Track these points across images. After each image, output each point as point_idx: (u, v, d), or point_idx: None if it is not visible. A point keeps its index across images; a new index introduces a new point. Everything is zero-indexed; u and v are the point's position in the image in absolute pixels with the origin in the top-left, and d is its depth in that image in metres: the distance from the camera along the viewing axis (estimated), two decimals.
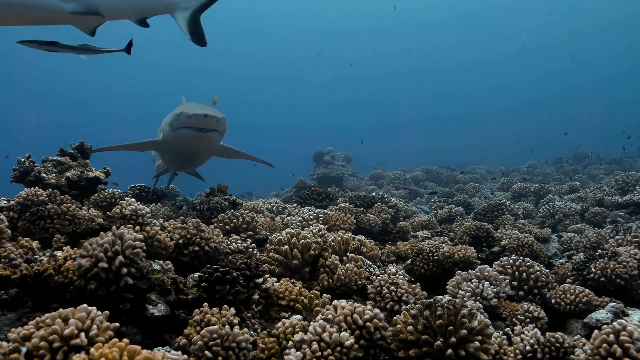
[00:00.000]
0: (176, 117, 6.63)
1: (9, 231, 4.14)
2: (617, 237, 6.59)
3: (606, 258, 5.09)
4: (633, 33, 72.84)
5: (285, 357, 2.92)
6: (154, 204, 7.23)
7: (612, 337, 3.02)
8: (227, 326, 2.98)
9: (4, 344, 2.26)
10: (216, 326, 2.92)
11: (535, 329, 3.72)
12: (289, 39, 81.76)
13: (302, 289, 3.98)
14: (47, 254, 3.69)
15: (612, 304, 4.39)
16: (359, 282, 4.39)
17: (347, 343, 2.98)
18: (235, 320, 3.15)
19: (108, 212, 5.09)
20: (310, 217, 6.43)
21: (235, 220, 5.49)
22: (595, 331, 3.18)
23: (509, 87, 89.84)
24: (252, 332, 3.38)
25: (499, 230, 7.44)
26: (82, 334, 2.34)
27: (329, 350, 2.94)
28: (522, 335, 3.69)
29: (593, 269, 5.00)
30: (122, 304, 3.04)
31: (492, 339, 3.36)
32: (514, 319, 4.22)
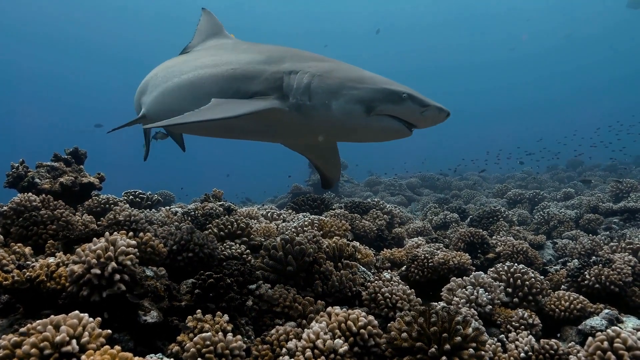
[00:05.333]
0: (392, 96, 3.79)
1: (2, 237, 4.12)
2: (612, 243, 6.61)
3: (600, 265, 5.10)
4: (630, 38, 73.91)
5: None
6: (148, 209, 7.20)
7: (606, 344, 3.03)
8: (220, 333, 2.97)
9: None
10: (209, 333, 2.90)
11: (530, 336, 3.72)
12: (289, 39, 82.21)
13: (297, 296, 3.97)
14: (40, 260, 3.66)
15: (606, 310, 4.40)
16: (354, 289, 4.38)
17: (341, 350, 2.96)
18: (229, 327, 3.13)
19: (102, 218, 5.07)
20: (305, 223, 6.42)
21: (229, 226, 5.47)
22: (590, 338, 3.19)
23: (506, 90, 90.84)
24: (245, 339, 3.36)
25: (493, 237, 7.45)
26: (74, 341, 2.32)
27: (323, 358, 2.92)
28: (517, 342, 3.69)
29: (587, 276, 5.01)
30: (114, 310, 3.02)
31: (487, 345, 3.36)
32: (508, 326, 4.21)
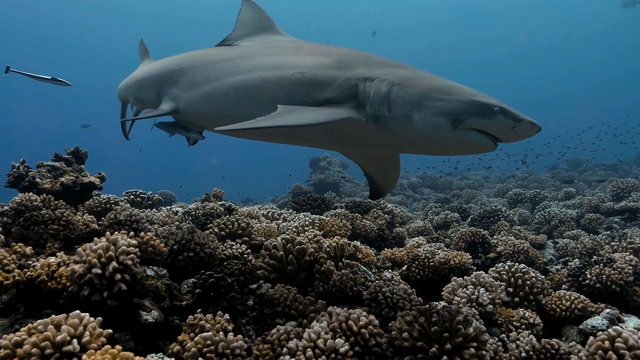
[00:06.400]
0: (483, 109, 3.47)
1: (2, 237, 4.12)
2: (613, 243, 6.61)
3: (601, 264, 5.09)
4: (629, 37, 73.87)
5: None
6: (149, 209, 7.20)
7: (607, 343, 3.03)
8: (221, 333, 2.97)
9: None
10: (210, 333, 2.90)
11: (531, 336, 3.72)
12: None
13: (297, 295, 3.96)
14: (41, 260, 3.66)
15: (607, 310, 4.40)
16: (355, 288, 4.37)
17: (342, 350, 2.96)
18: (230, 327, 3.12)
19: (102, 218, 5.07)
20: (306, 222, 6.41)
21: (230, 226, 5.47)
22: (591, 338, 3.19)
23: (504, 88, 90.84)
24: (246, 338, 3.36)
25: (494, 237, 7.45)
26: (75, 341, 2.32)
27: (324, 357, 2.92)
28: (518, 342, 3.68)
29: (588, 275, 5.00)
30: (115, 310, 3.02)
31: (488, 345, 3.35)
32: (509, 325, 4.21)
